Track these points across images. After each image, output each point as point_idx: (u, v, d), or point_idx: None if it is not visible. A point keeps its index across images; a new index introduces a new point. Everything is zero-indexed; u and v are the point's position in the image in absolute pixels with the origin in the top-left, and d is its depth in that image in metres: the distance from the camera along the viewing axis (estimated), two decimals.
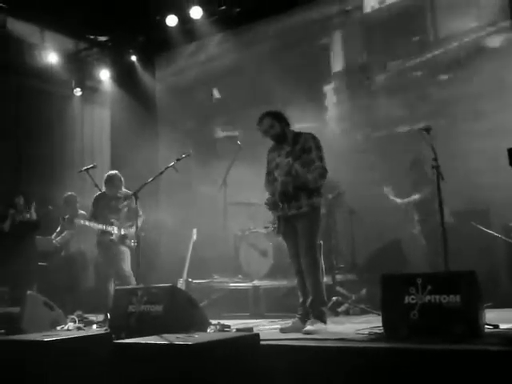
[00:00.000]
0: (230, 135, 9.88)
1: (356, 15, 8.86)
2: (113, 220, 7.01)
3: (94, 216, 7.10)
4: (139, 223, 6.37)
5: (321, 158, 4.89)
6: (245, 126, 9.17)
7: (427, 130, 5.08)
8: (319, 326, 4.70)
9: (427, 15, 8.22)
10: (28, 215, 7.88)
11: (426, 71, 8.17)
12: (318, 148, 4.93)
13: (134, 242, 6.79)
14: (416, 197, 7.33)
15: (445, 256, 4.80)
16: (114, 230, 7.00)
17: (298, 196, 4.89)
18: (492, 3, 7.57)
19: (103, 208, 7.03)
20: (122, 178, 7.22)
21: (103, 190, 7.14)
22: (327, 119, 9.03)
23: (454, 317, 3.70)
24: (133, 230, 6.94)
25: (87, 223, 7.01)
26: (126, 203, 6.99)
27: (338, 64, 9.14)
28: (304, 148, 4.93)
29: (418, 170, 7.29)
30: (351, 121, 8.87)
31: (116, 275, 6.91)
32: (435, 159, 4.97)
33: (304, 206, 4.88)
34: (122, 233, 7.02)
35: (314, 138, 5.00)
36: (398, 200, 7.41)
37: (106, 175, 7.23)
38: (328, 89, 9.13)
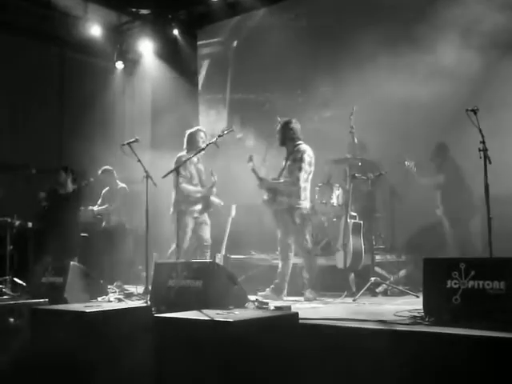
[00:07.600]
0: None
1: None
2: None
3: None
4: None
5: None
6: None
7: (474, 111, 4.93)
8: None
9: None
10: (67, 188, 8.01)
11: None
12: None
13: (220, 202, 7.00)
14: (441, 178, 7.22)
15: (489, 243, 4.68)
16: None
17: None
18: None
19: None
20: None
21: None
22: None
23: (498, 303, 3.63)
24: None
25: (191, 188, 6.78)
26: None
27: None
28: None
29: (443, 154, 7.28)
30: None
31: (198, 245, 6.85)
32: (483, 142, 4.83)
33: None
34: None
35: None
36: (422, 179, 7.26)
37: (188, 133, 6.98)
38: None
